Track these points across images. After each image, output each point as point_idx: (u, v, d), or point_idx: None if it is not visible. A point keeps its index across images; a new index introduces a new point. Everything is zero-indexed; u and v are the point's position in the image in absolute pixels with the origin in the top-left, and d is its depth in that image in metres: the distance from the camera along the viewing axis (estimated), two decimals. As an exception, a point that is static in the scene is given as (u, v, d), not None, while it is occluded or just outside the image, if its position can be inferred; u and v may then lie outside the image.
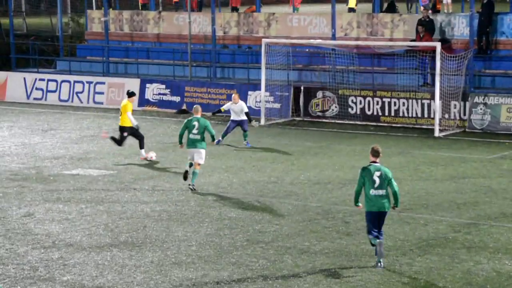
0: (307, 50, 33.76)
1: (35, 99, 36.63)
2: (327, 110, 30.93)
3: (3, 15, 51.41)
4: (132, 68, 36.98)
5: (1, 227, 17.43)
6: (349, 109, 30.44)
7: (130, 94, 24.80)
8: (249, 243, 16.09)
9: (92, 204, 19.22)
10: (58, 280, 14.18)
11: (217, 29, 35.57)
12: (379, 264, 14.59)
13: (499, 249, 15.58)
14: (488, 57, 30.88)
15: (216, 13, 36.01)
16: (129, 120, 24.16)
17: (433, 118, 28.39)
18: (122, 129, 24.52)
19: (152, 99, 33.97)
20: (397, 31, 32.64)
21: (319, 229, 17.00)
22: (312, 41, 31.94)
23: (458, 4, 42.47)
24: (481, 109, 28.34)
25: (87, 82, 35.84)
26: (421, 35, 30.47)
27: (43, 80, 36.79)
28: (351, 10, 41.97)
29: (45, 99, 36.43)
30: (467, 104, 28.61)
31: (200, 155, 20.49)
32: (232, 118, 26.26)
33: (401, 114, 29.65)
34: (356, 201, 14.90)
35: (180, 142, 21.18)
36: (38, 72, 37.79)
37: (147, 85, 34.33)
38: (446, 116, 28.66)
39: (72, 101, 35.86)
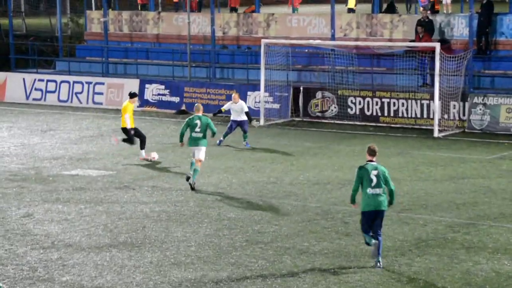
0: (306, 50, 33.76)
1: (34, 99, 36.63)
2: (326, 111, 30.93)
3: (2, 15, 51.44)
4: (132, 69, 36.97)
5: (0, 227, 17.42)
6: (349, 110, 30.44)
7: (132, 95, 24.82)
8: (248, 243, 16.09)
9: (91, 204, 19.22)
10: (57, 281, 14.17)
11: (216, 29, 35.57)
12: (378, 264, 14.60)
13: (498, 249, 15.58)
14: (487, 58, 30.89)
15: (215, 14, 36.01)
16: (129, 119, 24.20)
17: (433, 119, 28.39)
18: (124, 130, 24.50)
19: (152, 99, 33.96)
20: (397, 32, 32.65)
21: (318, 230, 17.00)
22: (311, 41, 31.93)
23: (458, 4, 42.48)
24: (480, 109, 28.34)
25: (86, 82, 35.83)
26: (421, 36, 30.47)
27: (42, 80, 36.79)
28: (351, 10, 41.95)
29: (44, 100, 36.43)
30: (467, 104, 28.62)
31: (202, 152, 20.81)
32: (232, 118, 26.26)
33: (400, 115, 29.65)
34: (353, 200, 14.91)
35: (181, 140, 21.36)
36: (37, 72, 37.79)
37: (147, 85, 34.33)
38: (446, 116, 28.66)
39: (71, 102, 35.86)
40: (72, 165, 23.55)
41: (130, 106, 24.43)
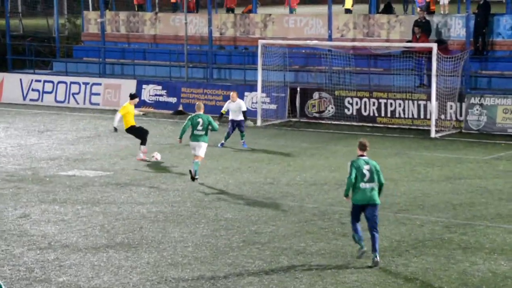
0: (303, 51, 33.78)
1: (31, 100, 36.62)
2: (323, 111, 30.94)
3: (-1, 16, 51.38)
4: (129, 69, 36.97)
5: (-3, 228, 17.43)
6: (346, 110, 30.46)
7: (132, 96, 24.92)
8: (245, 244, 16.09)
9: (88, 205, 19.21)
10: (54, 281, 14.16)
11: (213, 30, 35.57)
12: (375, 259, 14.61)
13: (494, 249, 15.59)
14: (484, 58, 30.92)
15: (212, 14, 36.00)
16: (118, 119, 24.29)
17: (429, 119, 28.42)
18: (129, 130, 24.50)
19: (149, 100, 33.96)
20: (394, 32, 32.67)
21: (315, 230, 17.00)
22: (308, 42, 31.95)
23: (455, 5, 42.50)
24: (477, 110, 28.37)
25: (83, 83, 35.83)
26: (418, 36, 30.49)
27: (40, 81, 36.78)
28: (348, 11, 41.99)
29: (42, 100, 36.42)
30: (463, 105, 28.64)
31: (202, 148, 21.37)
32: (230, 117, 26.21)
33: (397, 115, 29.67)
34: (347, 193, 14.96)
35: (180, 137, 21.87)
36: (34, 73, 37.79)
37: (144, 86, 34.33)
38: (442, 117, 28.69)
39: (68, 102, 35.85)
40: (69, 166, 23.54)
41: (129, 107, 24.45)
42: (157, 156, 23.98)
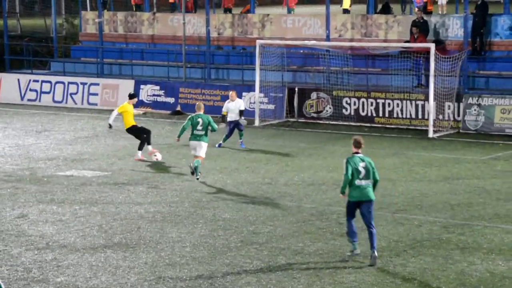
0: (301, 51, 33.79)
1: (29, 100, 36.60)
2: (321, 111, 30.95)
3: (-3, 16, 51.31)
4: (127, 69, 36.97)
5: (-6, 228, 17.42)
6: (343, 110, 30.47)
7: (131, 96, 24.98)
8: (243, 244, 16.09)
9: (86, 205, 19.20)
10: (52, 282, 14.16)
11: (211, 30, 35.57)
12: (373, 254, 14.71)
13: (492, 249, 15.60)
14: (482, 58, 30.94)
15: (210, 14, 36.01)
16: (115, 116, 24.33)
17: (427, 119, 28.43)
18: (130, 130, 24.49)
19: (147, 100, 33.95)
20: (391, 32, 32.68)
21: (313, 230, 17.00)
22: (306, 42, 31.95)
23: (452, 5, 42.53)
24: (475, 110, 28.38)
25: (81, 83, 35.81)
26: (415, 36, 30.51)
27: (37, 81, 36.76)
28: (346, 11, 41.99)
29: (39, 100, 36.40)
30: (461, 105, 28.66)
31: (202, 149, 21.57)
32: (228, 118, 26.18)
33: (395, 115, 29.69)
34: (344, 191, 15.01)
35: (179, 136, 22.03)
36: (32, 73, 37.78)
37: (142, 86, 34.32)
38: (440, 117, 28.70)
39: (66, 102, 35.84)
40: (66, 166, 23.53)
41: (127, 106, 24.47)
42: (158, 156, 23.97)
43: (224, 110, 26.28)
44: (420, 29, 30.59)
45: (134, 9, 42.15)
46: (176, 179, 21.87)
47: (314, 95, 31.09)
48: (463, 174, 22.24)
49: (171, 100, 33.78)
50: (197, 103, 22.48)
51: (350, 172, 14.83)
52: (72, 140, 27.72)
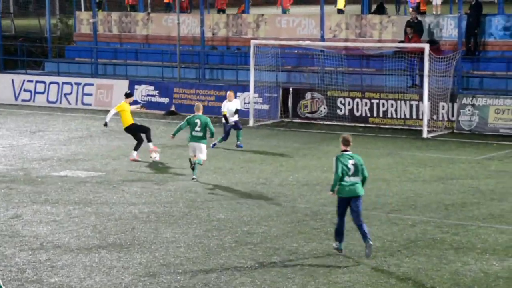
0: (296, 51, 33.79)
1: (23, 100, 36.55)
2: (315, 112, 30.96)
3: (-9, 16, 51.22)
4: (121, 70, 36.93)
5: (-12, 229, 17.38)
6: (338, 111, 30.48)
7: (127, 95, 25.00)
8: (237, 244, 16.09)
9: (80, 205, 19.18)
10: (46, 282, 14.14)
11: (206, 30, 35.55)
12: (369, 242, 14.89)
13: (486, 249, 15.62)
14: (476, 59, 30.98)
15: (204, 15, 35.99)
16: (112, 115, 24.33)
17: (422, 119, 28.46)
18: (128, 129, 24.48)
19: (141, 100, 33.90)
20: (386, 33, 32.71)
21: (308, 230, 17.01)
22: (301, 42, 31.95)
23: (447, 5, 42.58)
24: (469, 110, 28.42)
25: (75, 83, 35.77)
26: (410, 37, 30.54)
27: (31, 81, 36.71)
28: (340, 11, 42.02)
29: (33, 101, 36.35)
30: (455, 105, 28.69)
31: (202, 151, 21.67)
32: (224, 121, 26.09)
33: (389, 115, 29.71)
34: (334, 189, 15.25)
35: (174, 134, 22.27)
36: (26, 73, 37.71)
37: (136, 86, 34.29)
38: (434, 117, 28.73)
39: (60, 103, 35.79)
40: (61, 166, 23.50)
41: (124, 105, 24.48)
42: (156, 156, 23.93)
43: (224, 110, 26.17)
44: (415, 29, 30.62)
45: (129, 9, 42.12)
46: (170, 179, 21.86)
47: (308, 95, 31.10)
48: (457, 174, 22.27)
49: (165, 100, 33.76)
50: (196, 104, 22.61)
51: (340, 170, 15.09)
52: (66, 141, 27.69)
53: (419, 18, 31.61)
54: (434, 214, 18.16)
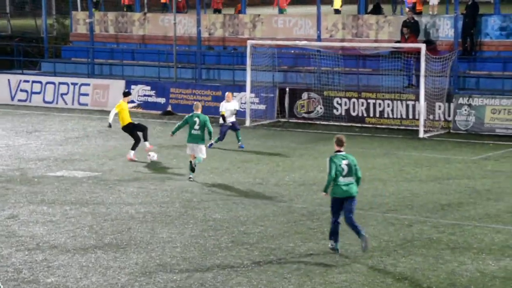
0: (292, 51, 33.81)
1: (19, 100, 36.53)
2: (312, 112, 30.97)
3: (-13, 16, 51.24)
4: (117, 70, 36.92)
5: (-15, 229, 17.36)
6: (334, 111, 30.50)
7: (126, 94, 25.04)
8: (234, 244, 16.09)
9: (77, 206, 19.16)
10: (42, 282, 14.13)
11: (202, 30, 35.55)
12: (363, 234, 14.97)
13: (483, 249, 15.64)
14: (472, 59, 31.01)
15: (201, 15, 35.99)
16: (113, 115, 24.31)
17: (418, 119, 28.48)
18: (126, 128, 24.47)
19: (137, 100, 33.88)
20: (382, 33, 32.73)
21: (304, 230, 17.01)
22: (297, 42, 31.97)
23: (443, 5, 42.60)
24: (465, 110, 28.44)
25: (72, 83, 35.76)
26: (406, 37, 30.56)
27: (28, 81, 36.69)
28: (337, 11, 42.01)
29: (30, 101, 36.32)
30: (452, 105, 28.72)
31: (201, 151, 21.67)
32: (221, 121, 26.06)
33: (386, 115, 29.73)
34: (327, 190, 15.36)
35: (173, 132, 22.31)
36: (22, 73, 37.70)
37: (132, 86, 34.27)
38: (431, 117, 28.75)
39: (56, 103, 35.77)
40: (57, 166, 23.49)
41: (123, 104, 24.48)
42: (154, 156, 23.92)
43: (222, 110, 26.14)
44: (411, 29, 30.65)
45: (125, 10, 42.10)
46: (166, 179, 21.85)
47: (305, 95, 31.11)
48: (454, 174, 22.28)
49: (162, 100, 33.75)
50: (195, 103, 22.73)
51: (333, 171, 15.15)
52: (63, 141, 27.67)
53: (416, 18, 31.63)
54: (430, 214, 18.17)
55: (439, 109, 28.87)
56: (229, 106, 26.02)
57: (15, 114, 33.76)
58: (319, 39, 32.47)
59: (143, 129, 24.50)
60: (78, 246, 16.05)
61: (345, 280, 14.09)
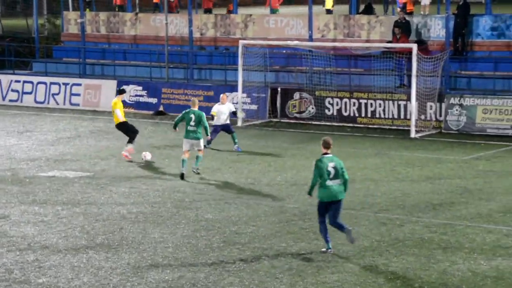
0: (284, 51, 33.82)
1: (10, 100, 36.43)
2: (304, 112, 30.98)
3: (-22, 16, 51.07)
4: (109, 70, 36.86)
5: (-24, 229, 17.31)
6: (326, 111, 30.51)
7: (120, 91, 25.05)
8: (225, 244, 16.08)
9: (68, 206, 19.13)
10: (34, 283, 14.10)
11: (194, 30, 35.52)
12: (349, 231, 15.20)
13: (474, 249, 15.66)
14: (463, 59, 31.08)
15: (193, 15, 35.96)
16: (117, 116, 24.30)
17: (409, 119, 28.51)
18: (120, 125, 24.45)
19: (129, 100, 33.86)
20: (374, 33, 32.77)
21: (296, 230, 17.01)
22: (289, 42, 31.97)
23: (434, 5, 42.67)
24: (456, 110, 28.49)
25: (63, 83, 35.68)
26: (398, 37, 30.60)
27: (19, 81, 36.60)
28: (328, 11, 42.05)
29: (21, 101, 36.24)
30: (443, 105, 28.76)
31: (199, 145, 22.00)
32: (214, 123, 25.95)
33: (377, 115, 29.76)
34: (311, 192, 15.44)
35: (174, 128, 22.68)
36: (14, 73, 37.60)
37: (124, 86, 34.15)
38: (422, 117, 28.79)
39: (48, 103, 35.70)
40: (48, 167, 23.44)
41: (119, 103, 24.48)
42: (148, 156, 23.89)
43: (213, 110, 26.03)
44: (402, 29, 30.69)
45: (117, 10, 42.03)
46: (158, 179, 21.83)
47: (297, 95, 31.12)
48: (445, 174, 22.32)
49: (153, 100, 33.72)
50: (192, 99, 23.08)
51: (317, 176, 15.20)
52: (54, 141, 27.61)
53: (407, 18, 31.68)
54: (422, 214, 18.20)
55: (431, 109, 28.91)
56: (222, 108, 25.94)
57: (6, 114, 33.68)
58: (310, 39, 32.49)
59: (134, 131, 24.44)
60: (69, 247, 16.02)
61: (337, 280, 14.10)
